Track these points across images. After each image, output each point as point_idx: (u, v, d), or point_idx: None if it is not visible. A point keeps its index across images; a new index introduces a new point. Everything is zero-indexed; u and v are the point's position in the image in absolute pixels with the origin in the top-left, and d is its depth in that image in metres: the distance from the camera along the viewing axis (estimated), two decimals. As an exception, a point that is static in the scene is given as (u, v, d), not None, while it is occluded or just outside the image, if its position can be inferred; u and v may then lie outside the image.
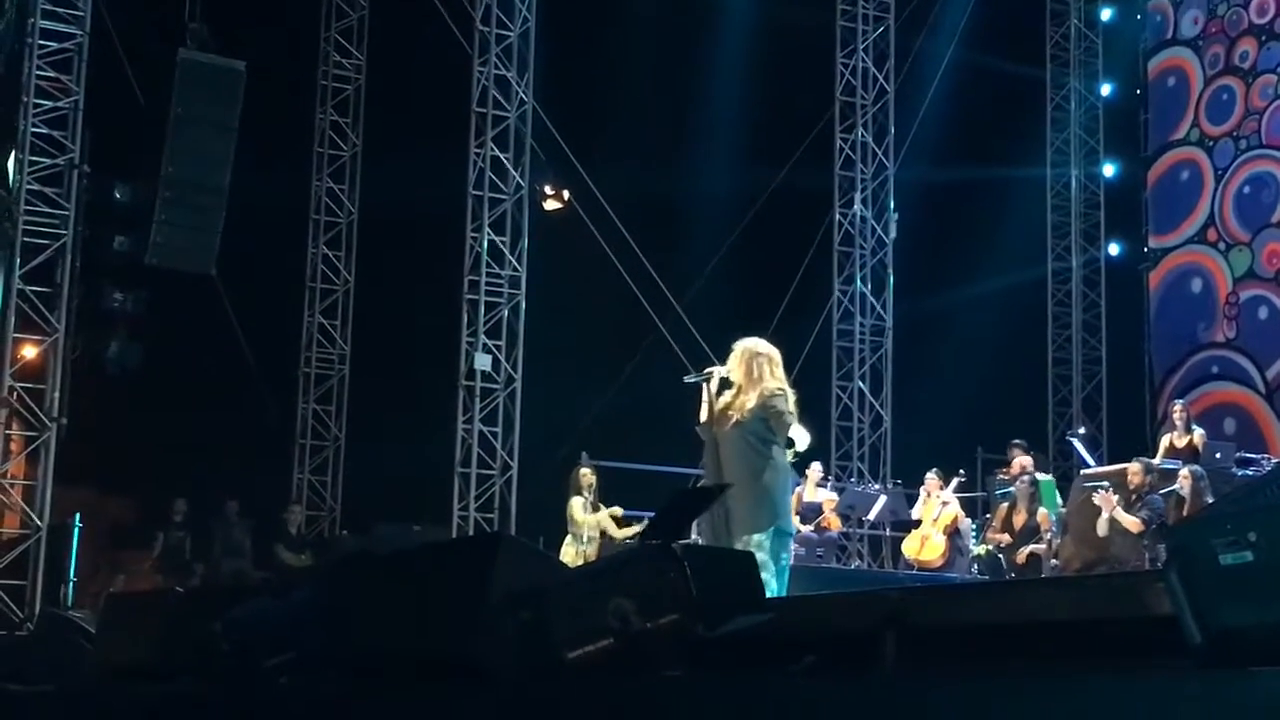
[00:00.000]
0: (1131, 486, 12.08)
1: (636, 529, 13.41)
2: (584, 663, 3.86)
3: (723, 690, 3.69)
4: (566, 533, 13.41)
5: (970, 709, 3.05)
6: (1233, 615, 2.77)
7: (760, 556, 7.47)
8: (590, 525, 13.37)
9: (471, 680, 4.17)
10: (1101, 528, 11.93)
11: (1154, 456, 13.58)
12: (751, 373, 7.90)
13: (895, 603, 4.26)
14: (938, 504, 14.47)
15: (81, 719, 5.99)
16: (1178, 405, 13.94)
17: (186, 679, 5.49)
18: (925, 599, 5.09)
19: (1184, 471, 11.95)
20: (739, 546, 7.32)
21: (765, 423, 7.81)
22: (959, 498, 14.68)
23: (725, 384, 7.94)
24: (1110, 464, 14.41)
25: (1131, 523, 11.79)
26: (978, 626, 4.29)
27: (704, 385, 7.97)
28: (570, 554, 12.97)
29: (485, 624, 4.18)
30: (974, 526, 14.74)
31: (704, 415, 7.97)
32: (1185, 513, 11.43)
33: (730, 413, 7.88)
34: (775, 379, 7.93)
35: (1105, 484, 12.30)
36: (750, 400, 7.83)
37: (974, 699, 3.08)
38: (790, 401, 7.91)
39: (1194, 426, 13.54)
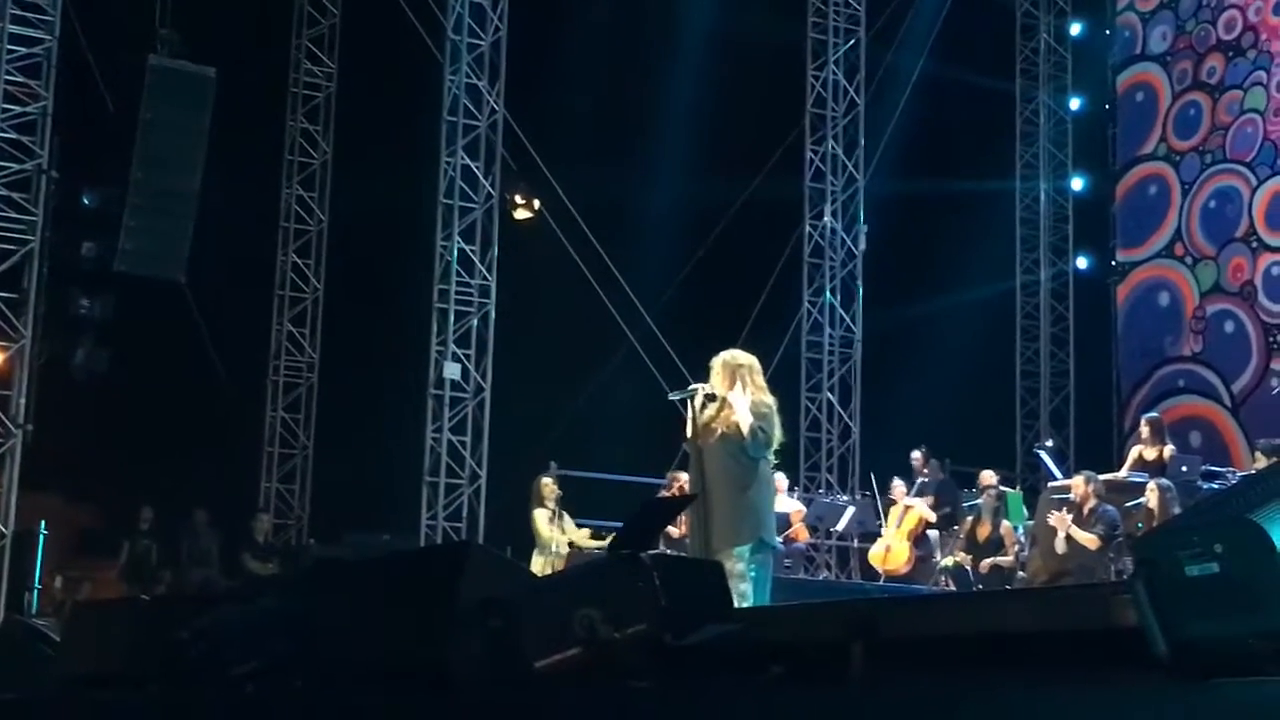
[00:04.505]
0: (1077, 499, 12.12)
1: (595, 539, 13.40)
2: (552, 672, 3.86)
3: (690, 700, 3.69)
4: (534, 543, 13.38)
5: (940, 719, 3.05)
6: (1198, 627, 2.79)
7: (740, 568, 7.51)
8: (559, 541, 13.33)
9: (439, 689, 4.17)
10: (1060, 547, 11.98)
11: (1121, 468, 13.65)
12: (735, 385, 7.95)
13: (863, 613, 4.27)
14: (900, 509, 14.52)
15: (45, 727, 5.96)
16: (1149, 418, 14.00)
17: (153, 687, 5.46)
18: (893, 609, 5.11)
19: (1151, 485, 11.99)
20: (721, 559, 7.33)
21: (752, 438, 7.85)
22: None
23: (710, 399, 7.98)
24: (1078, 477, 14.47)
25: (1088, 539, 11.81)
26: (945, 637, 4.30)
27: (689, 401, 8.00)
28: (539, 565, 12.93)
29: (453, 633, 4.18)
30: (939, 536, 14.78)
31: (689, 431, 8.00)
32: (1154, 525, 11.48)
33: (715, 425, 7.92)
34: (758, 388, 7.99)
35: (1070, 496, 12.34)
36: (735, 414, 7.87)
37: (941, 709, 3.08)
38: (774, 411, 7.97)
39: (1166, 440, 13.57)
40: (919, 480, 15.20)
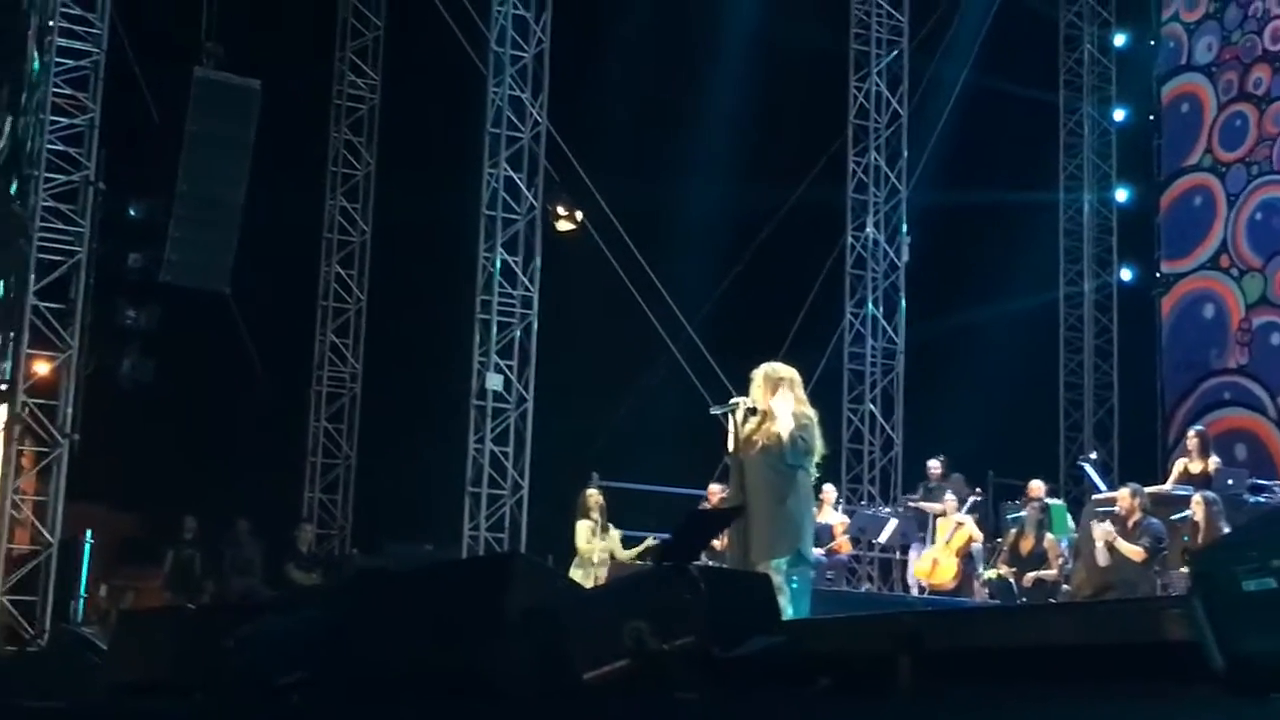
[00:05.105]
0: (1122, 512, 12.01)
1: (639, 550, 13.40)
2: (600, 683, 3.85)
3: (737, 711, 3.68)
4: (575, 554, 13.39)
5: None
6: (1255, 642, 2.76)
7: (780, 581, 7.47)
8: (598, 551, 13.33)
9: (487, 699, 4.16)
10: (1101, 558, 11.86)
11: (1166, 481, 13.54)
12: (776, 396, 7.95)
13: (910, 626, 4.25)
14: (951, 524, 14.45)
15: (93, 735, 5.98)
16: (1194, 431, 13.89)
17: (198, 696, 5.48)
18: (939, 623, 5.08)
19: (1197, 498, 11.88)
20: (761, 571, 7.32)
21: (791, 447, 7.85)
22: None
23: (751, 412, 7.98)
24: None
25: (1133, 551, 11.70)
26: (992, 650, 4.28)
27: (730, 415, 8.01)
28: (578, 577, 12.92)
29: (500, 643, 4.17)
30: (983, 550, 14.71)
31: (730, 445, 8.00)
32: (1199, 540, 11.37)
33: (756, 438, 7.91)
34: (799, 400, 7.99)
35: (1115, 509, 12.25)
36: (775, 425, 7.86)
37: (991, 723, 3.06)
38: (814, 423, 7.97)
39: (1212, 453, 13.45)
40: (932, 487, 15.37)
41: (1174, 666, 3.20)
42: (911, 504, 15.73)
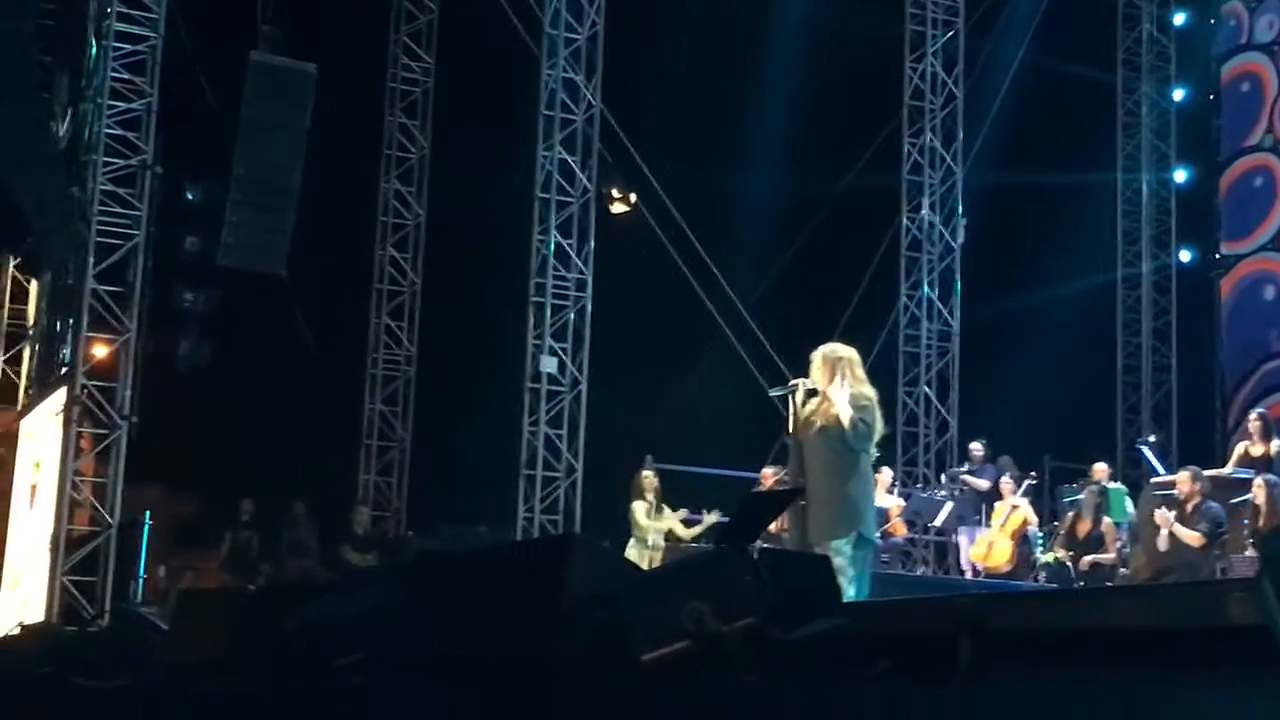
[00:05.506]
0: (1181, 496, 11.90)
1: (700, 529, 13.42)
2: (659, 665, 3.84)
3: (797, 693, 3.66)
4: (630, 536, 13.41)
5: (1049, 716, 3.00)
6: (1328, 625, 2.73)
7: (840, 562, 7.44)
8: (655, 530, 13.35)
9: (545, 681, 4.16)
10: (1162, 543, 11.77)
11: (1226, 464, 13.42)
12: (835, 378, 7.91)
13: (971, 608, 4.22)
14: (1006, 507, 14.39)
15: (153, 715, 6.02)
16: (1255, 413, 13.75)
17: (258, 677, 5.50)
18: (1001, 604, 5.05)
19: (1259, 481, 11.78)
20: (820, 552, 7.29)
21: (853, 432, 7.81)
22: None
23: (811, 393, 7.95)
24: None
25: (1192, 537, 11.59)
26: (1055, 633, 4.24)
27: (790, 397, 7.97)
28: (633, 557, 12.94)
29: (559, 625, 4.17)
30: (1039, 536, 14.63)
31: (790, 427, 7.96)
32: (1261, 523, 11.28)
33: (815, 419, 7.88)
34: (858, 381, 7.94)
35: (1174, 492, 12.15)
36: (834, 407, 7.83)
37: (1053, 706, 3.03)
38: (874, 404, 7.92)
39: (1274, 436, 13.30)
40: (974, 469, 15.44)
41: (1240, 650, 3.16)
42: (961, 476, 15.69)
